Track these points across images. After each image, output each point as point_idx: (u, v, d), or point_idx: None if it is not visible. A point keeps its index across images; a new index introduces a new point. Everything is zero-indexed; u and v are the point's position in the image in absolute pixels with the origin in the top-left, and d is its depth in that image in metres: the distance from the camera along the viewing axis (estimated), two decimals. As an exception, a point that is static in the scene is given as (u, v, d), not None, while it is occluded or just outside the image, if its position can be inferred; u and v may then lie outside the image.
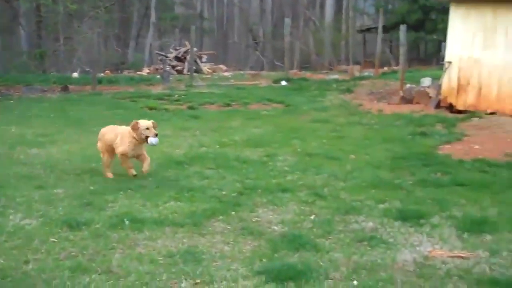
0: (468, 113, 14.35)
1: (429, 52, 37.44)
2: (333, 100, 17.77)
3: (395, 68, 26.05)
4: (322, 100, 17.86)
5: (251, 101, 17.20)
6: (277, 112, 15.55)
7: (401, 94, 17.40)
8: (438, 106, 15.75)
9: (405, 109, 15.74)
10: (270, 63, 44.20)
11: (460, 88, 15.35)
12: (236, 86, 21.62)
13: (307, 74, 27.53)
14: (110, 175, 8.10)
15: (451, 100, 15.54)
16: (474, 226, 6.27)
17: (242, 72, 30.67)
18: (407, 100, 17.04)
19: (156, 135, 7.70)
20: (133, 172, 8.02)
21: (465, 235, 6.05)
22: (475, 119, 13.64)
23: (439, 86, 16.08)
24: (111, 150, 8.07)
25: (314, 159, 9.61)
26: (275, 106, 16.67)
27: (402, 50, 19.90)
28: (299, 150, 10.35)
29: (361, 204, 7.09)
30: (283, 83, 22.35)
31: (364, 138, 11.76)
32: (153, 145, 7.75)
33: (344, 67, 30.98)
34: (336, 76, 25.24)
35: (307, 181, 8.16)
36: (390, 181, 8.20)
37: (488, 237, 6.05)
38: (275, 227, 6.17)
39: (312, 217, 6.57)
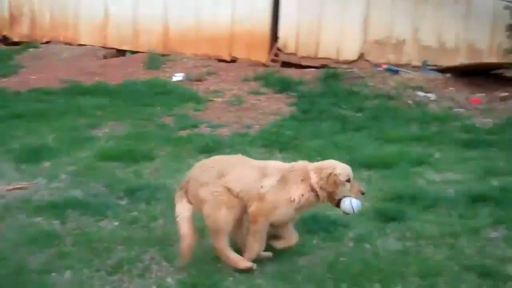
0: (23, 44, 14.11)
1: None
2: None
3: None
4: None
5: None
6: None
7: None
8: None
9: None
10: None
11: (13, 19, 14.91)
12: None
13: None
14: (245, 263, 4.11)
15: (5, 31, 15.01)
16: (32, 156, 6.40)
17: None
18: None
19: (363, 194, 4.28)
20: (252, 265, 4.15)
21: (24, 166, 6.13)
22: (31, 50, 13.47)
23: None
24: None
25: None
26: None
27: None
28: None
29: None
30: None
31: None
32: (348, 213, 4.21)
33: None
34: None
35: None
36: None
37: (47, 164, 6.25)
38: None
39: None
